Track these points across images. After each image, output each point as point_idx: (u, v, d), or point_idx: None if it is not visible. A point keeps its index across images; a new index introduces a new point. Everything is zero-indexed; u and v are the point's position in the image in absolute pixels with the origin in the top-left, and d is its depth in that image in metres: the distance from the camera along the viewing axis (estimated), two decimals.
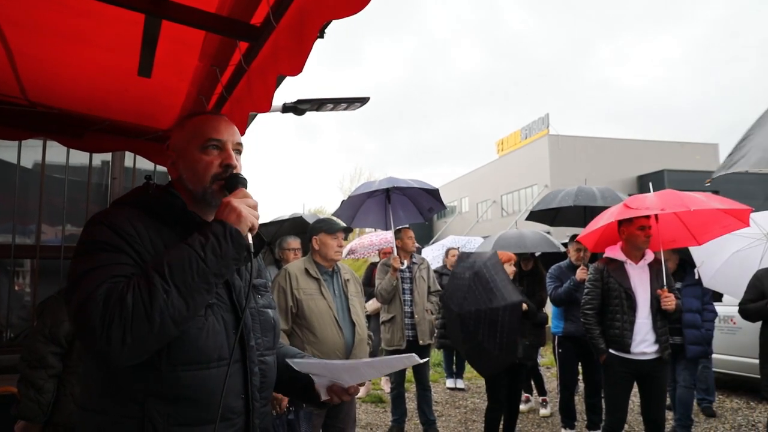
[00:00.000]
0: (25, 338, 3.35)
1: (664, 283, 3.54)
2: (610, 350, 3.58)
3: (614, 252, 3.71)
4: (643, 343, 3.49)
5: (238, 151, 1.39)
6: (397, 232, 4.95)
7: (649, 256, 3.66)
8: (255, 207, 1.29)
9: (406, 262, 4.90)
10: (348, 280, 3.27)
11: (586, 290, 3.76)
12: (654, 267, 3.63)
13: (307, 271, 3.10)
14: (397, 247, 4.82)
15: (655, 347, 3.50)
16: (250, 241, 1.26)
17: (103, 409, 1.21)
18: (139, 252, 1.20)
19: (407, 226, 5.11)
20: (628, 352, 3.49)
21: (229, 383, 1.26)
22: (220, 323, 1.27)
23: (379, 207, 5.30)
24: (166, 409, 1.19)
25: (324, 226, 3.17)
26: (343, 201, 5.25)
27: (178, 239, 1.25)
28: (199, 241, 1.18)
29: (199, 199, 1.36)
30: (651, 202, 3.58)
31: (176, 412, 1.20)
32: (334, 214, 5.37)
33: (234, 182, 1.32)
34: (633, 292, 3.55)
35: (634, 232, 3.59)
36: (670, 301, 3.46)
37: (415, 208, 5.44)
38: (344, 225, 3.24)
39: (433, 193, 5.23)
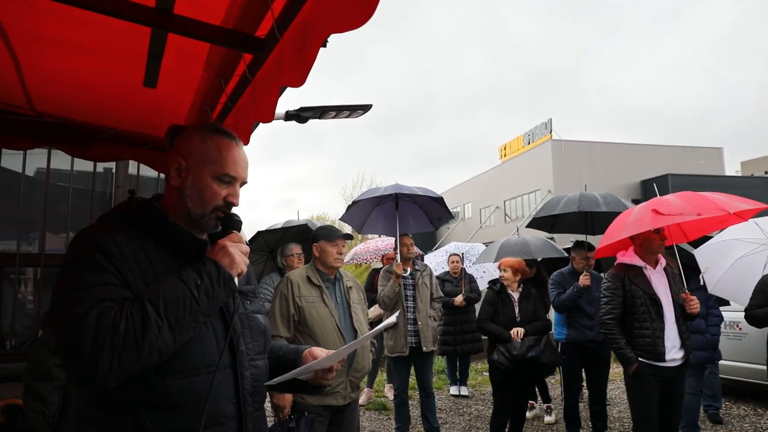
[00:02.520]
0: (30, 346, 3.36)
1: (685, 286, 3.46)
2: (640, 359, 3.41)
3: (630, 257, 3.55)
4: (673, 349, 3.39)
5: (241, 185, 1.42)
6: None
7: (662, 260, 3.57)
8: (246, 254, 1.33)
9: (408, 269, 4.90)
10: (350, 287, 3.26)
11: (605, 299, 3.57)
12: (669, 271, 3.54)
13: (308, 278, 3.10)
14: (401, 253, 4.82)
15: (682, 352, 3.41)
16: (237, 284, 1.30)
17: (97, 421, 1.22)
18: (122, 270, 1.21)
19: (410, 234, 5.10)
20: (663, 360, 3.35)
21: (221, 388, 1.28)
22: (209, 330, 1.29)
23: (390, 213, 5.28)
24: (158, 417, 1.20)
25: (323, 233, 3.18)
26: (349, 206, 5.25)
27: (162, 251, 1.29)
28: (193, 280, 1.21)
29: (192, 221, 1.36)
30: (680, 206, 3.34)
31: (168, 420, 1.21)
32: (341, 219, 5.36)
33: (230, 223, 1.36)
34: (658, 297, 3.42)
35: (650, 236, 3.44)
36: (695, 305, 3.38)
37: (425, 217, 5.42)
38: (344, 232, 3.24)
39: (439, 201, 5.23)
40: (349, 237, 3.25)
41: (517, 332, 4.18)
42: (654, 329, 3.39)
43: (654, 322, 3.39)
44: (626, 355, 3.43)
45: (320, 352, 1.54)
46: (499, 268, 4.56)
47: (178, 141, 1.38)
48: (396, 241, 4.91)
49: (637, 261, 3.52)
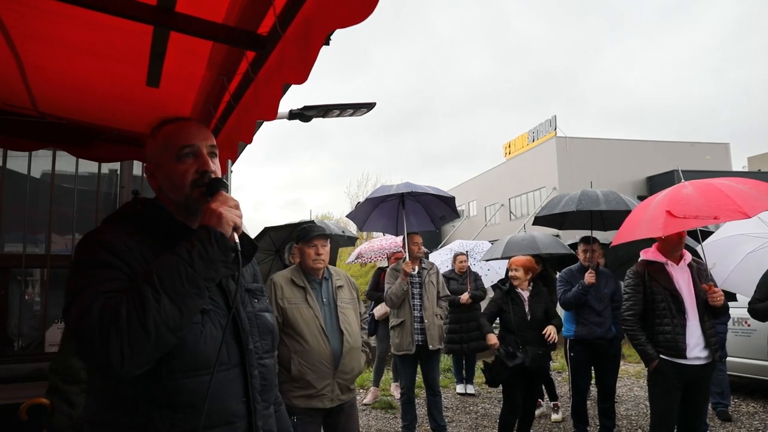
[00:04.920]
0: (36, 347, 3.37)
1: (707, 275, 3.37)
2: (662, 356, 3.36)
3: (653, 254, 3.51)
4: (697, 347, 3.31)
5: (213, 154, 1.40)
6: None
7: (687, 256, 3.48)
8: (236, 207, 1.29)
9: (416, 268, 4.88)
10: (341, 286, 3.18)
11: (626, 295, 3.56)
12: (694, 267, 3.46)
13: (292, 280, 3.05)
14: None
15: (707, 352, 3.32)
16: (237, 240, 1.27)
17: (108, 421, 1.23)
18: (131, 266, 1.21)
19: (417, 232, 5.09)
20: (684, 357, 3.30)
21: (230, 387, 1.29)
22: (218, 329, 1.28)
23: (392, 212, 5.28)
24: (168, 416, 1.20)
25: (300, 234, 3.10)
26: (358, 203, 5.26)
27: (168, 250, 1.27)
28: (185, 249, 1.19)
29: (183, 208, 1.37)
30: (698, 207, 3.18)
31: (179, 420, 1.21)
32: (348, 216, 5.36)
33: (213, 187, 1.33)
34: (679, 293, 3.36)
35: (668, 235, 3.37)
36: (718, 296, 3.27)
37: (427, 215, 5.41)
38: (321, 232, 3.09)
39: (448, 201, 5.20)
40: (326, 236, 3.09)
41: (494, 343, 4.24)
42: (674, 325, 3.33)
43: (674, 318, 3.34)
44: (647, 351, 3.40)
45: None
46: (509, 267, 4.53)
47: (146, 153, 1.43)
48: (404, 239, 4.90)
49: (659, 257, 3.49)
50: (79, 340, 1.11)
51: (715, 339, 3.37)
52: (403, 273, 4.62)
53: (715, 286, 3.43)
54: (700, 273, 3.45)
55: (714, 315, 3.41)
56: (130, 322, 1.09)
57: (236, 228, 1.27)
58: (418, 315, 4.75)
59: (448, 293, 5.25)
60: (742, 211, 3.05)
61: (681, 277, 3.43)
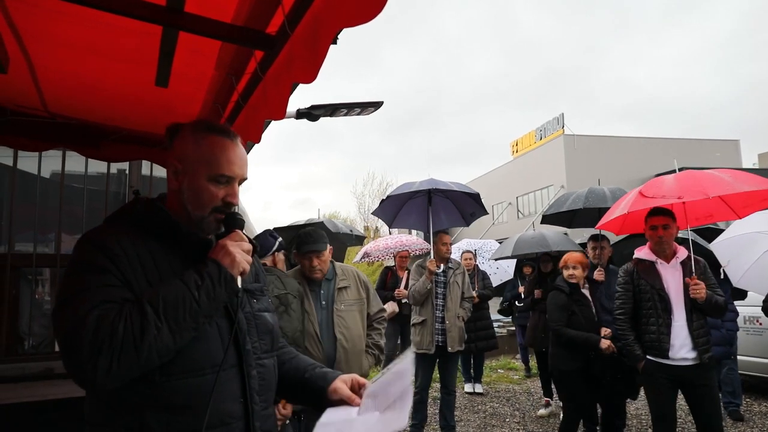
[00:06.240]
0: (47, 346, 3.40)
1: (693, 271, 3.27)
2: (648, 356, 3.33)
3: (646, 252, 3.48)
4: (683, 348, 3.23)
5: (240, 183, 1.40)
6: (432, 236, 4.89)
7: (682, 253, 3.41)
8: (248, 252, 1.32)
9: (442, 266, 4.82)
10: (346, 287, 3.12)
11: (617, 294, 3.54)
12: (687, 264, 3.38)
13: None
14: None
15: (695, 353, 3.21)
16: (240, 285, 1.29)
17: (105, 422, 1.22)
18: (124, 272, 1.20)
19: (446, 230, 5.04)
20: (667, 357, 3.24)
21: (227, 388, 1.27)
22: (214, 329, 1.28)
23: (421, 209, 5.20)
24: (164, 418, 1.20)
25: (297, 243, 3.07)
26: (383, 200, 5.21)
27: (167, 252, 1.28)
28: (194, 281, 1.20)
29: (193, 222, 1.35)
30: (668, 189, 3.30)
31: (175, 421, 1.20)
32: (373, 213, 5.31)
33: (232, 222, 1.34)
34: (666, 292, 3.30)
35: (647, 232, 3.42)
36: (699, 289, 3.17)
37: (457, 212, 5.34)
38: (314, 247, 3.03)
39: (475, 198, 5.15)
40: (317, 250, 3.02)
41: (609, 345, 3.89)
42: (660, 325, 3.28)
43: (660, 318, 3.29)
44: (633, 352, 3.39)
45: (342, 387, 1.43)
46: (561, 267, 4.26)
47: (175, 141, 1.37)
48: (429, 237, 4.85)
49: (649, 255, 3.45)
50: (66, 346, 1.10)
51: (704, 340, 3.25)
52: (428, 271, 4.58)
53: (713, 284, 3.35)
54: (692, 270, 3.33)
55: (707, 315, 3.31)
56: (125, 343, 1.09)
57: (242, 273, 1.29)
58: (440, 315, 4.69)
59: (473, 294, 5.18)
60: (704, 192, 3.18)
61: (671, 276, 3.36)
